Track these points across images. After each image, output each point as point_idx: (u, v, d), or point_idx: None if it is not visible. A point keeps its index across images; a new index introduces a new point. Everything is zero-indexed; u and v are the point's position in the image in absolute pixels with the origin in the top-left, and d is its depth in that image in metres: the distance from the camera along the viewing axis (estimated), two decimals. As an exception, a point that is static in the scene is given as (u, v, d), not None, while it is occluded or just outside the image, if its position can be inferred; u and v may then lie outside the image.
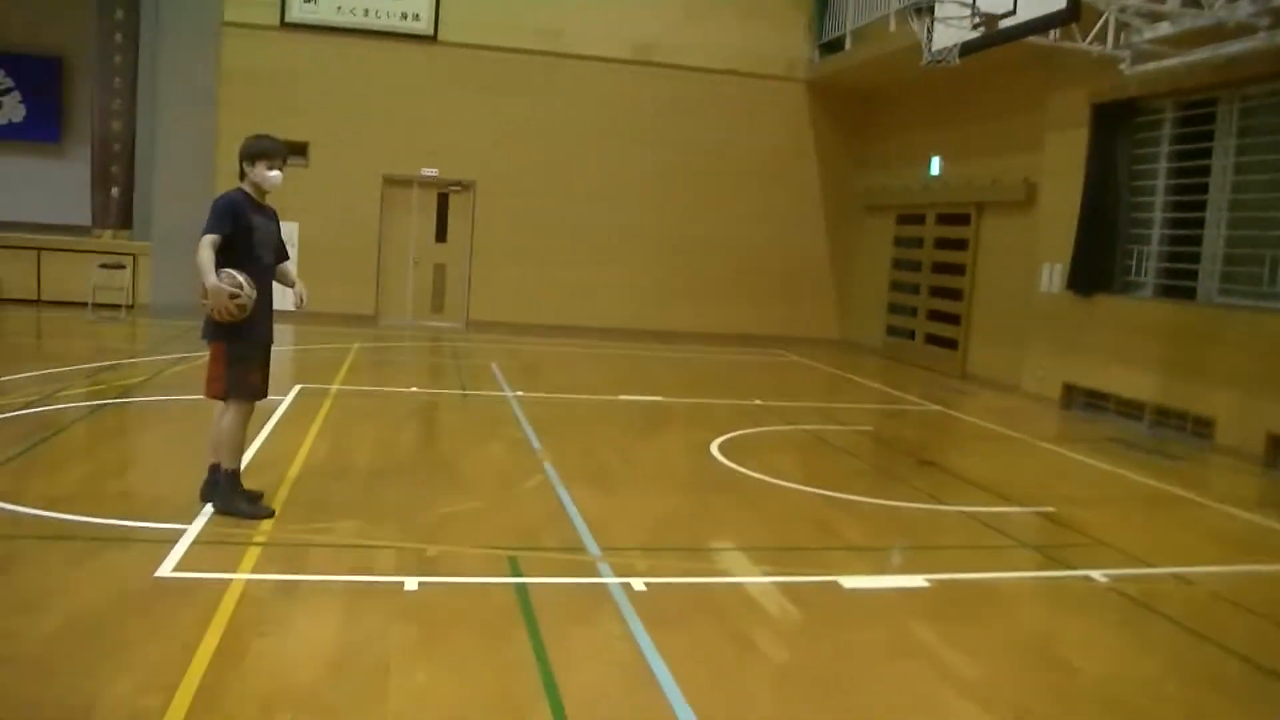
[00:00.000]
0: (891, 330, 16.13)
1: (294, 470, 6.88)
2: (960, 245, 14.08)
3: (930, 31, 8.74)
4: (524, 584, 4.98)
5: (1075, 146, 11.46)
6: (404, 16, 16.00)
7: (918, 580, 5.35)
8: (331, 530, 5.65)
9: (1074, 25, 8.77)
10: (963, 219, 14.03)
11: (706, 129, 16.94)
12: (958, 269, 14.12)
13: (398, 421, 8.85)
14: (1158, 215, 10.76)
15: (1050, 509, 7.05)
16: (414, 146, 16.29)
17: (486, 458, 7.74)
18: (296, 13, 15.75)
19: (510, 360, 13.13)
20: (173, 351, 11.70)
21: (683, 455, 8.18)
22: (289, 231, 15.62)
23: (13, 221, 16.86)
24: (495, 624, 4.48)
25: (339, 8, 15.82)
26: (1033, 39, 8.80)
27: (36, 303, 15.46)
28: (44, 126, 18.38)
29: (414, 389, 10.64)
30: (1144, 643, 4.72)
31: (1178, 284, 10.49)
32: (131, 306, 15.48)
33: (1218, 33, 8.19)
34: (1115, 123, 10.97)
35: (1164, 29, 8.51)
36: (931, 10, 8.71)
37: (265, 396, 6.00)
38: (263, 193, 5.85)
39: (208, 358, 5.78)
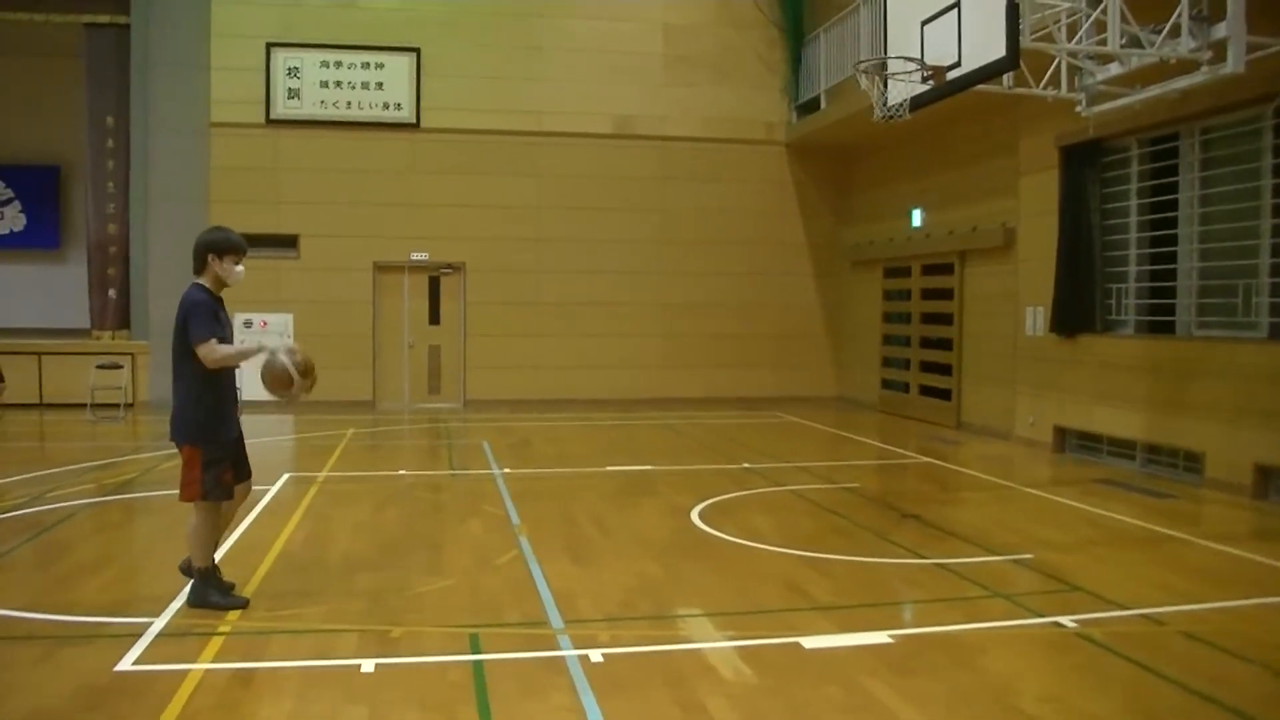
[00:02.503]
0: (886, 384, 16.10)
1: (270, 558, 6.92)
2: (946, 295, 14.11)
3: (885, 87, 8.87)
4: (480, 661, 4.97)
5: (1048, 189, 11.55)
6: (385, 106, 16.35)
7: (881, 636, 5.29)
8: (298, 616, 5.66)
9: (1026, 72, 8.89)
10: (947, 268, 14.09)
11: (691, 196, 17.17)
12: (946, 319, 14.14)
13: (381, 505, 8.87)
14: (1133, 252, 10.78)
15: (1028, 556, 6.98)
16: (402, 232, 16.53)
17: (465, 536, 7.72)
18: (280, 109, 16.12)
19: (502, 438, 13.16)
20: (166, 448, 11.77)
21: (662, 523, 8.14)
22: (284, 323, 16.04)
23: (15, 328, 17.15)
24: (445, 702, 4.48)
25: (321, 102, 16.19)
26: (992, 87, 8.91)
27: (39, 406, 15.64)
28: (44, 234, 18.76)
29: (402, 471, 10.68)
30: (1102, 687, 4.63)
31: (1157, 319, 10.47)
32: (131, 405, 15.66)
33: (1166, 70, 8.28)
34: (1084, 163, 11.05)
35: (1114, 69, 8.60)
36: (883, 68, 8.84)
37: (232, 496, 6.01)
38: (223, 286, 5.93)
39: (181, 462, 5.81)
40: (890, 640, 5.23)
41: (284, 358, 5.69)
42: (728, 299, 17.30)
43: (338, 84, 16.25)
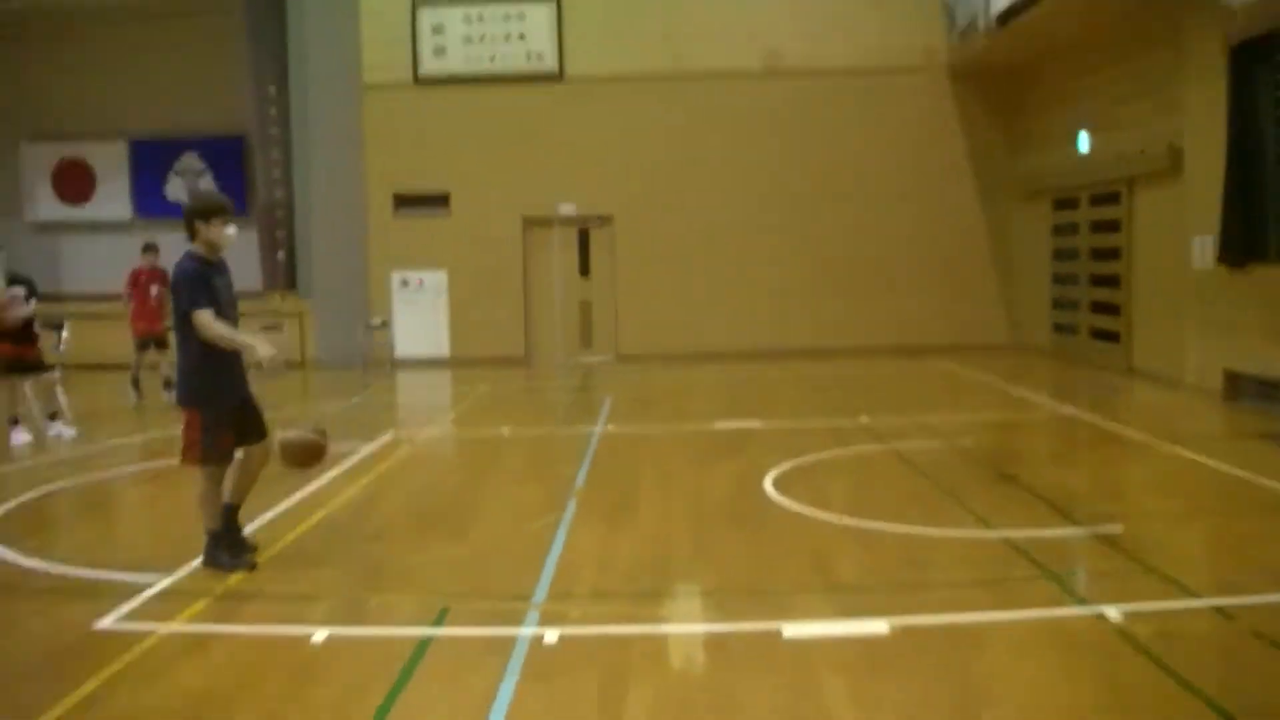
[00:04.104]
0: (1058, 327, 14.64)
1: (313, 520, 6.87)
2: (1114, 227, 12.61)
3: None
4: (429, 636, 4.68)
5: (1217, 100, 9.99)
6: (528, 57, 16.18)
7: (879, 625, 4.60)
8: (295, 581, 5.56)
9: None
10: (1114, 198, 12.57)
11: (847, 133, 16.05)
12: (1114, 254, 12.65)
13: (457, 466, 8.75)
14: (1315, 168, 9.20)
15: (1116, 529, 5.98)
16: (550, 186, 16.32)
17: (514, 500, 7.46)
18: (427, 67, 16.24)
19: (632, 392, 12.84)
20: (311, 402, 12.10)
21: (729, 486, 7.53)
22: (438, 281, 16.27)
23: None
24: (363, 678, 4.27)
25: (466, 57, 16.21)
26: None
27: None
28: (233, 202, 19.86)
29: (505, 430, 10.48)
30: (1103, 702, 3.81)
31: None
32: (301, 363, 16.33)
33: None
34: (1255, 65, 9.48)
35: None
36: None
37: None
38: (217, 250, 5.88)
39: (183, 424, 5.80)
40: (886, 631, 4.55)
41: (295, 433, 5.94)
42: (890, 241, 16.10)
43: (481, 38, 16.21)
